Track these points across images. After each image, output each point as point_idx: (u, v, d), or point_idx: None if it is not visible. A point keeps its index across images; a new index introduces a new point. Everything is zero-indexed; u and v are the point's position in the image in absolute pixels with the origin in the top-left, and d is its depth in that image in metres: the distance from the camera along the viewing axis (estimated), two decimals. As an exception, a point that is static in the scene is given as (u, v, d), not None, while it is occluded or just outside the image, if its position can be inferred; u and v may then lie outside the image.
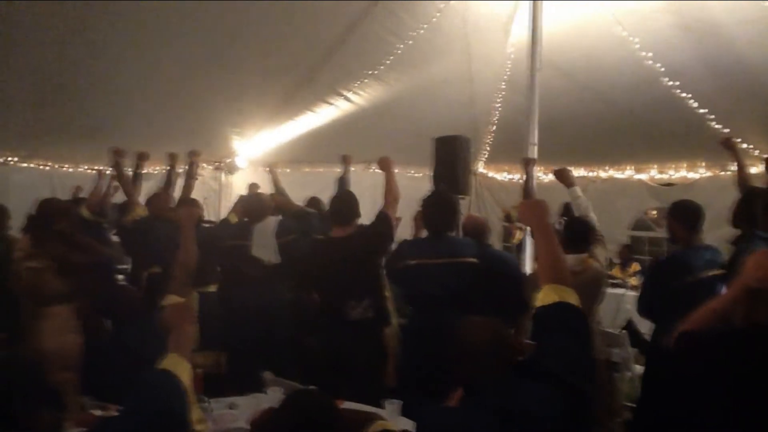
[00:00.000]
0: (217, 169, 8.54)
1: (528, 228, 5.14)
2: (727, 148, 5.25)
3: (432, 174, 5.95)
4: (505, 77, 7.56)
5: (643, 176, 8.51)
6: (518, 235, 7.62)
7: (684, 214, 4.24)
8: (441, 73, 7.15)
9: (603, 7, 5.93)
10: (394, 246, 4.49)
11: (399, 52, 6.59)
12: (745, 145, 6.50)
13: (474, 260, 4.23)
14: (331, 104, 7.35)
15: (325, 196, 4.97)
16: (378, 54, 6.64)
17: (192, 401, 1.92)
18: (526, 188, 5.40)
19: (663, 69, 6.27)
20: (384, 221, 4.26)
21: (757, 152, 6.73)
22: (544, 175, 8.90)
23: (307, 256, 4.56)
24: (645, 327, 6.85)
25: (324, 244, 4.52)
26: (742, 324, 2.13)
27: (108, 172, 6.25)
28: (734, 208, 4.41)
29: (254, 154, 8.21)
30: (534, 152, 5.64)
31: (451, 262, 4.18)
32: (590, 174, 9.01)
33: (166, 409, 1.80)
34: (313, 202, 5.88)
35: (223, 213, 6.54)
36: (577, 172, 9.02)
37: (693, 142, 7.40)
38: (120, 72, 5.83)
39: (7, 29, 4.87)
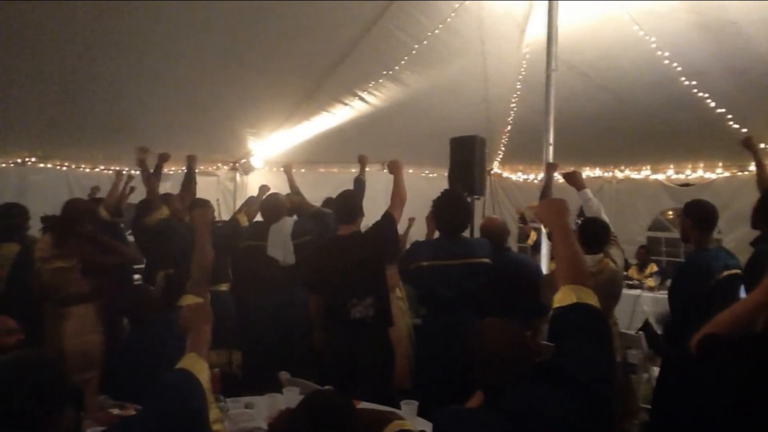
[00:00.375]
0: (232, 169, 8.58)
1: (544, 228, 5.12)
2: (747, 147, 5.20)
3: (447, 174, 5.94)
4: (521, 77, 7.53)
5: (659, 176, 8.44)
6: (533, 235, 7.58)
7: (698, 214, 4.20)
8: (456, 73, 7.13)
9: (619, 7, 5.89)
10: (407, 247, 4.51)
11: (414, 52, 6.58)
12: (762, 145, 6.43)
13: (487, 260, 4.23)
14: (346, 105, 7.36)
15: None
16: (393, 54, 6.64)
17: (210, 401, 1.93)
18: (545, 191, 5.38)
19: (680, 68, 6.22)
20: (388, 222, 4.26)
21: (776, 152, 6.66)
22: (559, 176, 8.87)
23: (312, 255, 4.57)
24: (662, 328, 6.83)
25: (328, 243, 4.53)
26: (764, 328, 2.10)
27: (125, 172, 6.31)
28: (754, 209, 4.36)
29: (270, 155, 8.23)
30: (550, 152, 5.62)
31: (465, 263, 4.18)
32: (606, 174, 8.95)
33: (185, 409, 1.81)
34: (329, 202, 5.88)
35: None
36: (593, 172, 9.00)
37: (710, 142, 7.34)
38: (137, 73, 5.86)
39: (26, 31, 4.91)
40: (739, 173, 7.59)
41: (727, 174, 7.77)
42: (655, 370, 4.99)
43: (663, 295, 6.63)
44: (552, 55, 5.61)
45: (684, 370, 3.54)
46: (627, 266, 8.44)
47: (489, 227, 4.87)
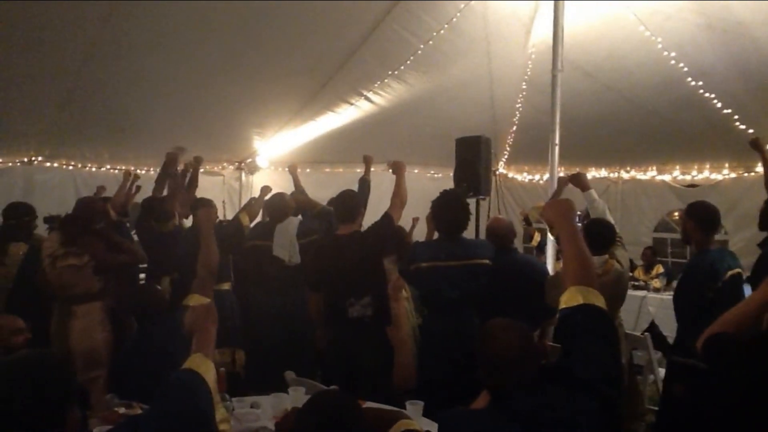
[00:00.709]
0: (238, 169, 8.59)
1: (550, 232, 5.11)
2: (755, 148, 5.19)
3: (453, 174, 5.93)
4: (526, 77, 7.52)
5: (666, 177, 8.42)
6: (536, 236, 7.58)
7: (701, 215, 4.20)
8: (462, 73, 7.13)
9: (625, 7, 5.87)
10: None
11: (420, 52, 6.58)
12: (769, 146, 6.42)
13: (487, 261, 4.22)
14: (351, 104, 7.36)
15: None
16: (399, 54, 6.63)
17: (216, 401, 1.93)
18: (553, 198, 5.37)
19: (686, 69, 6.20)
20: (387, 222, 4.27)
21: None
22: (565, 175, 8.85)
23: (313, 255, 4.58)
24: (668, 329, 6.82)
25: (328, 242, 4.54)
26: None
27: (132, 170, 6.33)
28: (761, 211, 4.35)
29: (275, 155, 8.24)
30: (556, 153, 5.61)
31: (465, 264, 4.17)
32: (612, 175, 8.94)
33: (192, 409, 1.81)
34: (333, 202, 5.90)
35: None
36: (599, 172, 8.99)
37: (717, 142, 7.32)
38: (143, 73, 5.87)
39: (33, 31, 4.93)
40: (746, 174, 7.57)
41: (733, 175, 7.75)
42: (662, 372, 4.99)
43: (669, 296, 6.61)
44: (558, 56, 5.59)
45: (690, 372, 3.53)
46: (633, 267, 8.42)
47: (495, 227, 4.85)
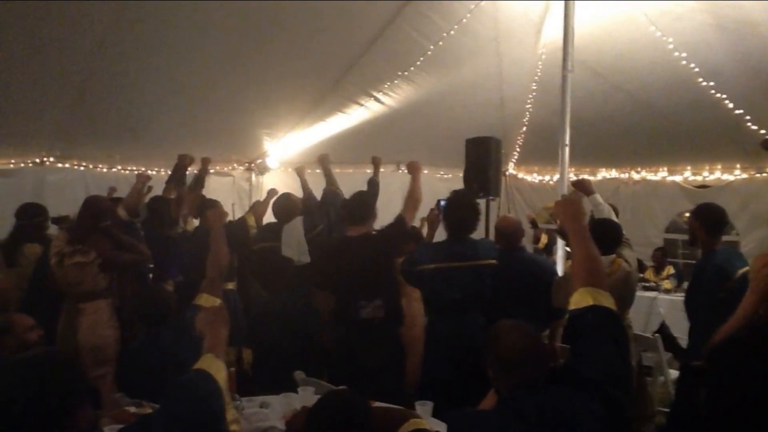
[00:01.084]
0: (248, 169, 8.62)
1: (556, 233, 5.10)
2: (767, 149, 5.17)
3: (463, 175, 5.93)
4: (536, 78, 7.50)
5: (676, 178, 8.39)
6: (544, 239, 7.57)
7: (708, 217, 4.22)
8: (472, 74, 7.12)
9: (636, 7, 5.85)
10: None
11: (429, 53, 6.57)
12: (781, 147, 6.38)
13: (493, 261, 4.20)
14: (361, 105, 7.36)
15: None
16: (409, 55, 6.63)
17: (227, 401, 1.94)
18: None
19: (697, 69, 6.18)
20: (399, 224, 4.26)
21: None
22: (575, 176, 8.83)
23: (323, 255, 4.59)
24: (678, 330, 6.79)
25: (339, 242, 4.54)
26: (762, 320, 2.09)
27: (144, 172, 6.37)
28: (773, 212, 4.34)
29: (285, 155, 8.26)
30: (566, 153, 5.60)
31: (470, 266, 4.14)
32: (623, 176, 8.90)
33: (203, 409, 1.83)
34: (343, 203, 5.91)
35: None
36: (609, 173, 8.96)
37: (728, 143, 7.28)
38: (154, 73, 5.89)
39: (44, 31, 4.95)
40: (758, 175, 7.53)
41: (745, 176, 7.70)
42: (672, 373, 4.97)
43: (679, 297, 6.59)
44: (568, 56, 5.57)
45: (702, 375, 3.52)
46: (643, 268, 8.39)
47: (503, 226, 4.84)
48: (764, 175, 7.29)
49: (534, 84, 7.63)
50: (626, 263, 4.23)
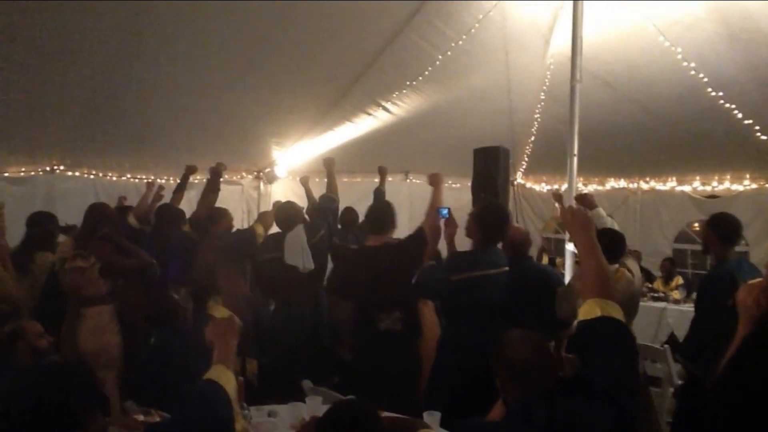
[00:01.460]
0: (257, 178, 8.65)
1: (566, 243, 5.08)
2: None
3: (471, 185, 5.93)
4: (545, 88, 7.51)
5: (686, 188, 8.37)
6: (545, 259, 7.58)
7: (723, 228, 4.20)
8: (480, 83, 7.13)
9: (645, 17, 5.86)
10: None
11: (438, 63, 6.59)
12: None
13: (507, 268, 4.18)
14: (370, 115, 7.38)
15: (363, 206, 4.98)
16: (417, 65, 6.65)
17: (237, 411, 1.95)
18: None
19: (706, 79, 6.17)
20: (419, 238, 4.22)
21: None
22: (583, 186, 8.82)
23: (344, 262, 4.59)
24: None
25: (358, 252, 4.53)
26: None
27: (153, 180, 6.41)
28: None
29: (294, 164, 8.29)
30: (574, 163, 5.59)
31: (501, 273, 4.10)
32: (631, 185, 8.90)
33: (213, 419, 1.83)
34: (348, 212, 5.93)
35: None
36: (618, 183, 8.95)
37: (737, 153, 7.27)
38: (163, 82, 5.93)
39: (54, 39, 4.99)
40: (767, 185, 7.50)
41: (754, 186, 7.68)
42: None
43: (689, 307, 6.56)
44: (577, 66, 5.58)
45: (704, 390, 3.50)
46: (652, 278, 8.35)
47: (512, 236, 4.81)
48: (774, 185, 7.27)
49: (542, 94, 7.64)
50: (629, 273, 4.22)
